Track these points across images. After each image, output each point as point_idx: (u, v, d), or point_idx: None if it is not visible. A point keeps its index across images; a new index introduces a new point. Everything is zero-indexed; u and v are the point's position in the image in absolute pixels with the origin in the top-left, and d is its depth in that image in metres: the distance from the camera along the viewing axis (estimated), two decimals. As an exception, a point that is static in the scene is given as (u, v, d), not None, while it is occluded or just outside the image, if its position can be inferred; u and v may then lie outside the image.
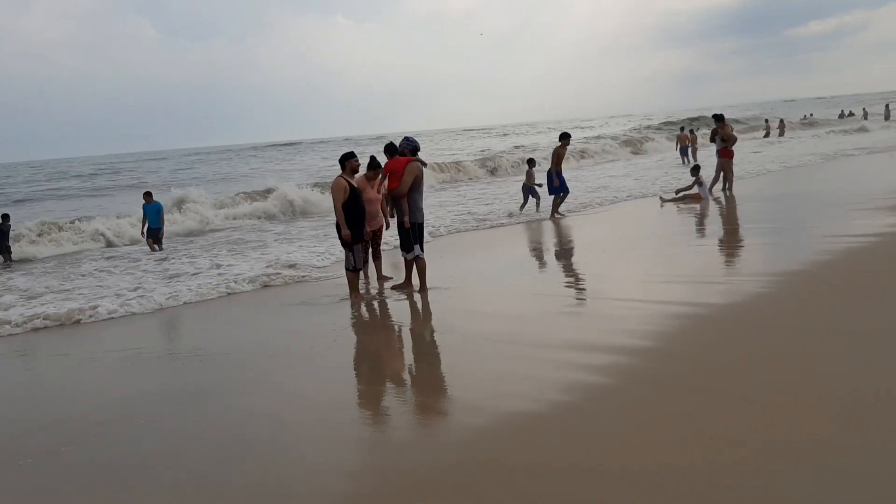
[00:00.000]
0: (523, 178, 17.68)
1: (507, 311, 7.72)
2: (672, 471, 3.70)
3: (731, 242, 11.13)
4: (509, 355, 5.99)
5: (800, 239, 10.41)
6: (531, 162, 17.99)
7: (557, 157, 15.78)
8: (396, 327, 7.83)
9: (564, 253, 11.62)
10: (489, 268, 10.70)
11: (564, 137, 15.99)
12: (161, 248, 15.50)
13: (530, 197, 17.19)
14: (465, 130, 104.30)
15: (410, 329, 7.65)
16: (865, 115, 52.64)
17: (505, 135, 75.51)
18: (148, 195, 15.99)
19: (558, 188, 15.85)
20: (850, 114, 57.72)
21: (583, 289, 8.71)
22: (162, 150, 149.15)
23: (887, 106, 51.45)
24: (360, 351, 7.11)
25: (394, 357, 6.80)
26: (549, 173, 15.94)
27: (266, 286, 10.48)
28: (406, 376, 6.06)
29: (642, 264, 9.80)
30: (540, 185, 16.98)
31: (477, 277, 9.92)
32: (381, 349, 7.14)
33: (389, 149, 9.58)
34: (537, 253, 11.81)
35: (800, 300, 6.94)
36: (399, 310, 8.42)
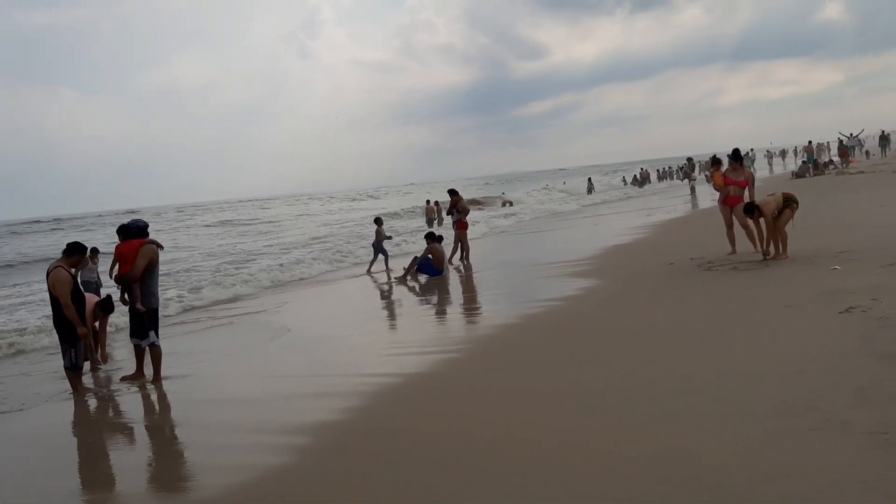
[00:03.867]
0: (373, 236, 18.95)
1: (243, 397, 7.75)
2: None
3: (467, 308, 12.36)
4: (240, 444, 6.09)
5: (509, 304, 11.68)
6: (378, 221, 19.23)
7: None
8: (129, 424, 7.54)
9: (304, 330, 11.61)
10: (230, 349, 10.40)
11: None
12: None
13: (380, 255, 18.42)
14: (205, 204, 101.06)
15: (145, 425, 7.40)
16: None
17: (266, 208, 74.98)
18: None
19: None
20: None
21: (312, 367, 8.87)
22: None
23: (589, 179, 57.72)
24: (85, 455, 6.74)
25: (123, 457, 6.57)
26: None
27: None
28: (136, 476, 5.86)
29: (378, 337, 10.25)
30: (390, 238, 18.92)
31: (216, 361, 9.61)
32: (109, 450, 6.83)
33: (123, 230, 9.12)
34: (278, 330, 11.56)
35: (483, 363, 7.90)
36: (132, 404, 8.01)
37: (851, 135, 48.55)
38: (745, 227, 12.22)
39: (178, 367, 9.09)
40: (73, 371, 8.53)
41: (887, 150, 49.14)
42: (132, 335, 8.76)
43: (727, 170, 12.81)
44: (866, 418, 4.73)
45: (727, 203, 12.64)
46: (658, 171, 64.72)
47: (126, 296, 8.76)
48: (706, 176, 20.49)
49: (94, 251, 14.38)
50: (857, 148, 47.46)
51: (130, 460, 6.36)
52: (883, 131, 52.81)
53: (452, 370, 7.68)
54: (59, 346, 8.62)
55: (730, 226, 12.68)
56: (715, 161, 14.02)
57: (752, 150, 49.08)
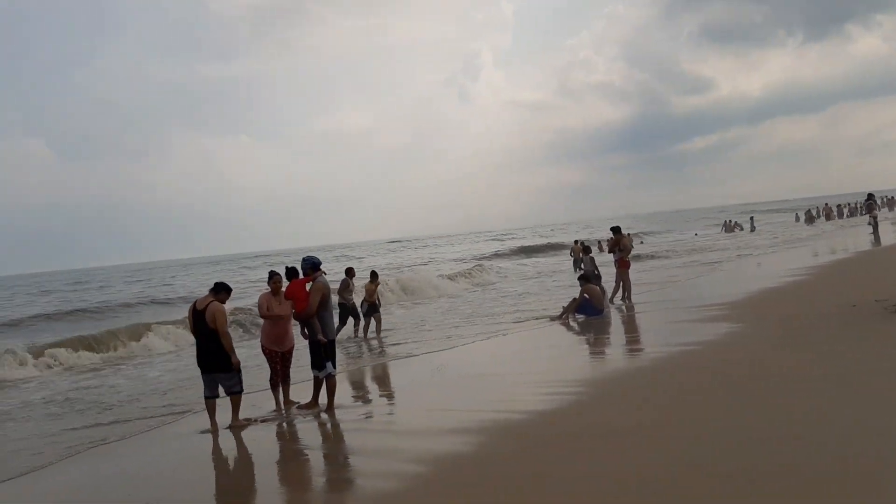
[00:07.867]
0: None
1: (412, 428, 8.03)
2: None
3: (629, 348, 12.11)
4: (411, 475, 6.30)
5: (659, 346, 11.46)
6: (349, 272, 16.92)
7: None
8: (306, 452, 7.81)
9: (462, 368, 11.80)
10: (398, 383, 10.85)
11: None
12: None
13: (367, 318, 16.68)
14: (391, 242, 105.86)
15: (324, 454, 7.62)
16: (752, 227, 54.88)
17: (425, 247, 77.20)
18: None
19: None
20: (736, 224, 58.59)
21: (466, 402, 9.00)
22: (63, 269, 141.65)
23: (752, 218, 56.04)
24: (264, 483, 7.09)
25: (305, 489, 6.81)
26: None
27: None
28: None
29: (531, 376, 10.21)
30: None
31: (383, 394, 10.06)
32: (288, 477, 7.17)
33: (287, 272, 9.76)
34: (440, 368, 11.86)
35: (600, 407, 7.95)
36: (309, 432, 8.47)
37: None
38: None
39: (348, 397, 9.60)
40: (237, 394, 8.95)
41: None
42: (312, 366, 9.25)
43: None
44: None
45: None
46: (838, 206, 60.61)
47: (306, 330, 9.30)
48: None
49: (350, 271, 16.33)
50: None
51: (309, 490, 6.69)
52: None
53: (576, 410, 7.85)
54: (211, 378, 8.91)
55: None
56: None
57: None
